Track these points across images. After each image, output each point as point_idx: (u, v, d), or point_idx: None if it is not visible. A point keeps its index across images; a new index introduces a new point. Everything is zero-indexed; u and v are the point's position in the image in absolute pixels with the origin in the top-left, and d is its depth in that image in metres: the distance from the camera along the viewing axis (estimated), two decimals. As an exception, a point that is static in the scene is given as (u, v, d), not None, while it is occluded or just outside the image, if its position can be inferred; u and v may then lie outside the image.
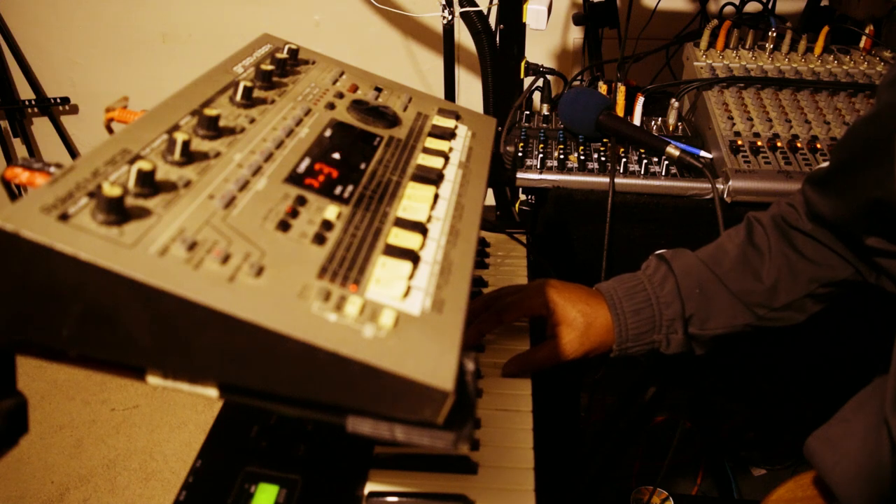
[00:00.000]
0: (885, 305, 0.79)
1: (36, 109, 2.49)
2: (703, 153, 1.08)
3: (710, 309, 0.83)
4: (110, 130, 0.59)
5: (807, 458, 0.79)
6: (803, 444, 0.80)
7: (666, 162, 1.09)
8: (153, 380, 0.46)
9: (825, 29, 1.29)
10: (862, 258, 0.79)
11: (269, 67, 0.67)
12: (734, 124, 1.14)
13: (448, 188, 0.61)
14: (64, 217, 0.41)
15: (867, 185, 0.72)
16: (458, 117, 0.74)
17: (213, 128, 0.55)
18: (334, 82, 0.73)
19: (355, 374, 0.41)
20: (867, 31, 1.30)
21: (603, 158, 1.11)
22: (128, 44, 2.37)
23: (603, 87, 1.28)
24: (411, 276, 0.49)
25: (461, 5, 1.36)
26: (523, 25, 1.29)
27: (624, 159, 1.10)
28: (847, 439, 0.75)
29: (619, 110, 1.23)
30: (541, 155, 1.13)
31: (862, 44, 1.31)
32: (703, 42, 1.30)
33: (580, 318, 0.81)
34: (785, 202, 0.88)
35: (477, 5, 1.35)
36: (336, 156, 0.60)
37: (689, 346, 0.85)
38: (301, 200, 0.52)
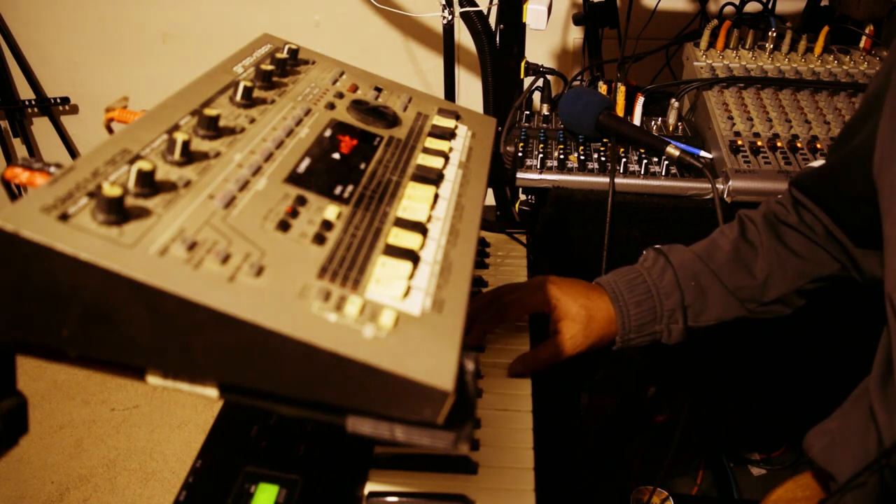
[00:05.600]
0: (876, 300, 0.80)
1: (36, 109, 2.48)
2: (703, 153, 1.08)
3: (705, 302, 0.85)
4: (110, 130, 0.59)
5: (806, 451, 0.80)
6: (802, 441, 0.80)
7: (666, 162, 1.09)
8: (153, 380, 0.46)
9: (825, 29, 1.29)
10: (845, 252, 0.82)
11: (269, 67, 0.66)
12: (734, 124, 1.14)
13: (448, 188, 0.61)
14: (64, 217, 0.41)
15: (854, 184, 0.74)
16: (458, 117, 0.74)
17: (213, 128, 0.55)
18: (334, 82, 0.73)
19: (355, 374, 0.41)
20: (867, 31, 1.30)
21: (603, 158, 1.11)
22: (128, 44, 2.37)
23: (603, 87, 1.28)
24: (411, 276, 0.49)
25: (461, 5, 1.36)
26: (523, 25, 1.29)
27: (624, 159, 1.10)
28: (845, 430, 0.76)
29: (619, 110, 1.23)
30: (541, 155, 1.13)
31: (862, 44, 1.31)
32: (703, 42, 1.30)
33: (582, 312, 0.82)
34: (774, 200, 0.90)
35: (477, 5, 1.35)
36: (336, 156, 0.60)
37: (688, 336, 0.86)
38: (301, 200, 0.52)
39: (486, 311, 0.82)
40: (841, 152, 0.79)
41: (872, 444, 0.69)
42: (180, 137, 0.50)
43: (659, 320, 0.84)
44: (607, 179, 1.07)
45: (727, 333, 1.01)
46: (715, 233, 0.91)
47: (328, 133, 0.63)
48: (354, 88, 0.73)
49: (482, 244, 1.03)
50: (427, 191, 0.59)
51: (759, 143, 1.10)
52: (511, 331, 0.85)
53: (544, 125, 1.24)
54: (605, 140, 1.16)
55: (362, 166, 0.60)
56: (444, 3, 1.44)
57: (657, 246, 0.89)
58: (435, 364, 0.42)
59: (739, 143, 1.10)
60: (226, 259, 0.43)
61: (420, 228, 0.53)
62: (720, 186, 1.05)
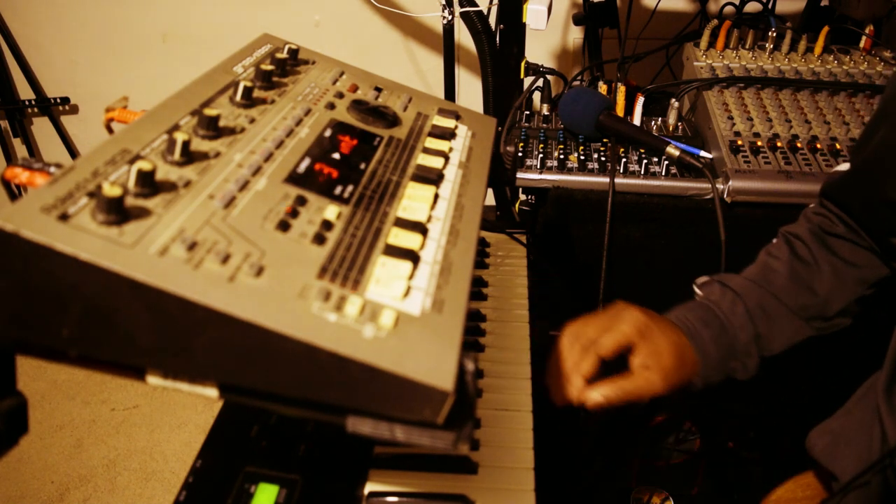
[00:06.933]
0: (877, 300, 0.80)
1: (36, 109, 2.48)
2: (703, 153, 1.08)
3: (773, 329, 0.80)
4: (110, 130, 0.59)
5: (808, 450, 0.79)
6: (804, 440, 0.80)
7: (666, 162, 1.09)
8: (153, 380, 0.46)
9: (825, 29, 1.29)
10: (891, 256, 0.79)
11: (269, 67, 0.67)
12: (734, 124, 1.14)
13: (448, 188, 0.61)
14: (64, 217, 0.41)
15: (885, 187, 0.72)
16: (458, 117, 0.74)
17: (213, 128, 0.55)
18: (334, 82, 0.73)
19: (355, 374, 0.41)
20: (867, 31, 1.30)
21: (603, 158, 1.11)
22: (128, 44, 2.37)
23: (603, 87, 1.28)
24: (411, 276, 0.49)
25: (461, 5, 1.36)
26: (523, 25, 1.29)
27: (624, 159, 1.10)
28: (848, 429, 0.75)
29: (619, 110, 1.23)
30: (541, 155, 1.13)
31: (862, 44, 1.31)
32: (703, 42, 1.30)
33: (673, 350, 0.74)
34: (811, 211, 0.87)
35: (477, 5, 1.35)
36: (336, 156, 0.60)
37: (760, 370, 0.81)
38: (301, 200, 0.52)
39: (581, 359, 0.72)
40: (861, 154, 0.77)
41: (876, 444, 0.69)
42: (180, 137, 0.50)
43: (734, 356, 0.79)
44: (607, 179, 1.07)
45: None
46: (762, 256, 0.86)
47: (328, 133, 0.63)
48: (354, 88, 0.73)
49: (482, 244, 1.03)
50: (427, 191, 0.59)
51: (759, 143, 1.10)
52: (510, 331, 0.85)
53: (544, 125, 1.24)
54: (605, 140, 1.16)
55: (362, 166, 0.60)
56: (444, 3, 1.44)
57: (710, 277, 0.84)
58: (435, 364, 0.42)
59: (739, 143, 1.10)
60: (226, 259, 0.43)
61: (420, 228, 0.53)
62: (720, 186, 1.05)
